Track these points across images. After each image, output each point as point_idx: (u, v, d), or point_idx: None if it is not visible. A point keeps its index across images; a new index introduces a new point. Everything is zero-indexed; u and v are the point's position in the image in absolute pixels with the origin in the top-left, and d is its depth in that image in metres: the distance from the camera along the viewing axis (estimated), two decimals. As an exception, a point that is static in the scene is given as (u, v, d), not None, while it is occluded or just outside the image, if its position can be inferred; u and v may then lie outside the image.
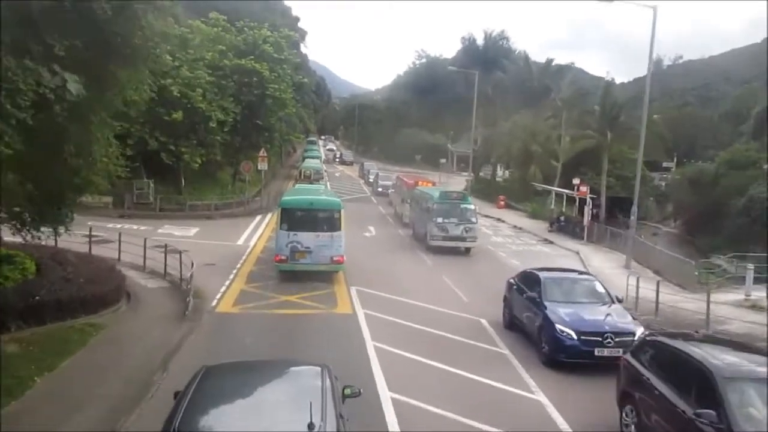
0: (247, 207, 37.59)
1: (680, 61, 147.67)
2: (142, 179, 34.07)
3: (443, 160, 73.28)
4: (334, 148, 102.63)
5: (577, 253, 30.01)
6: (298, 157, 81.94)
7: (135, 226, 29.02)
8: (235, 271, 21.30)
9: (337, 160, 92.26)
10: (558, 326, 12.54)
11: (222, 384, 6.61)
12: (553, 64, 53.65)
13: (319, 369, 6.94)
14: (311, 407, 5.52)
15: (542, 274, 14.85)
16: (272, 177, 58.32)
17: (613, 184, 48.78)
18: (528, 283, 14.94)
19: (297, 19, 64.78)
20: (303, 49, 73.87)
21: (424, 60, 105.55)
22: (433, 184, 35.84)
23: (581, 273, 15.29)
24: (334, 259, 19.62)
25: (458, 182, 58.66)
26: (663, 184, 60.19)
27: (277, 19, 45.50)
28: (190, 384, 6.45)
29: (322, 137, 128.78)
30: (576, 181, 35.78)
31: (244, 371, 7.47)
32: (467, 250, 27.49)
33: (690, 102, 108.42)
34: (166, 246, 19.65)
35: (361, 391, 7.83)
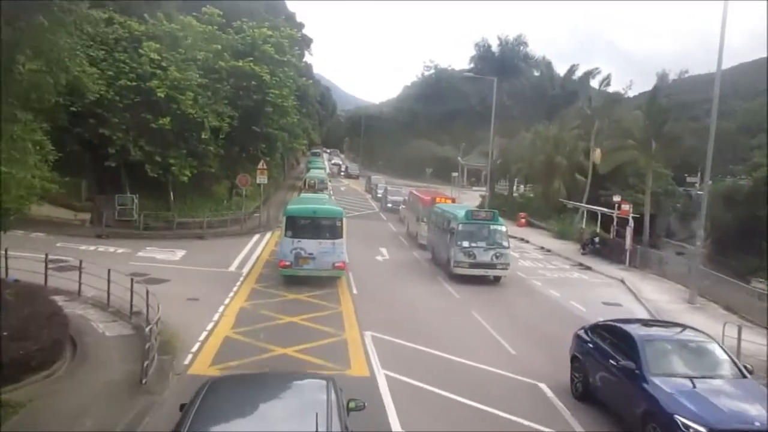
0: (244, 225, 33.71)
1: (686, 75, 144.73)
2: (125, 193, 30.27)
3: (455, 174, 69.57)
4: (340, 162, 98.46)
5: (622, 281, 25.97)
6: (301, 170, 78.28)
7: (112, 248, 25.13)
8: (222, 308, 17.33)
9: (342, 173, 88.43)
10: (680, 419, 8.48)
11: (228, 396, 6.58)
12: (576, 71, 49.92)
13: (324, 382, 6.90)
14: (317, 419, 5.61)
15: (635, 331, 10.83)
16: (274, 191, 54.60)
17: (641, 201, 44.97)
18: (613, 343, 10.92)
19: (302, 25, 61.22)
20: (308, 57, 70.51)
21: (432, 71, 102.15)
22: (453, 200, 32.02)
23: (687, 328, 11.25)
24: (336, 265, 20.33)
25: (471, 198, 54.88)
26: (696, 195, 56.19)
27: (281, 24, 41.84)
28: (197, 396, 6.40)
29: (327, 150, 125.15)
30: (617, 198, 31.80)
31: (249, 384, 7.45)
32: (496, 279, 23.52)
33: (699, 116, 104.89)
34: (132, 280, 15.62)
35: (366, 404, 7.68)
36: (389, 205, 47.91)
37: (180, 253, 25.41)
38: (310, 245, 19.96)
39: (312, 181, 46.35)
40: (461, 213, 23.81)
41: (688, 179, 62.53)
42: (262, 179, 34.74)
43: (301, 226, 20.38)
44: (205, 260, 24.48)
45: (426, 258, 28.15)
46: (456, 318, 18.21)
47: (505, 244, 23.23)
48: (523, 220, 42.90)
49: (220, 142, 32.04)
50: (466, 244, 22.87)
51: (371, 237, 34.37)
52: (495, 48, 55.11)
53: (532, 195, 58.54)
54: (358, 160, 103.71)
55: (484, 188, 77.44)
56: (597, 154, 39.14)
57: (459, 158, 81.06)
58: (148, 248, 25.84)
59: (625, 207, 29.13)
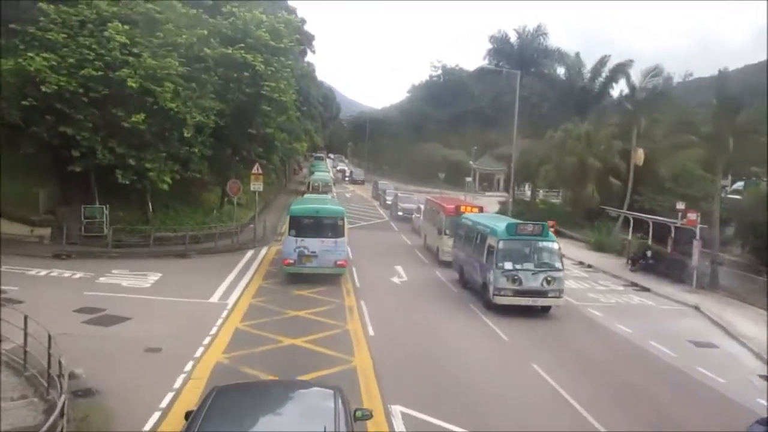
0: (236, 239, 28.97)
1: (690, 78, 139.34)
2: (93, 204, 25.58)
3: (469, 179, 64.87)
4: (345, 168, 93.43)
5: (697, 308, 21.11)
6: (304, 175, 73.68)
7: (69, 273, 20.43)
8: (190, 365, 12.56)
9: (347, 178, 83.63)
10: None
11: (234, 404, 6.45)
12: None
13: (331, 391, 6.76)
14: (325, 429, 5.56)
15: None
16: (273, 198, 49.95)
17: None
18: None
19: (303, 21, 56.54)
20: (310, 56, 65.93)
21: (439, 71, 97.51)
22: (480, 209, 27.26)
23: None
24: (338, 262, 20.87)
25: (489, 204, 49.99)
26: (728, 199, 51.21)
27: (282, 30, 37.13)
28: (203, 404, 6.32)
29: (331, 155, 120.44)
30: (680, 205, 26.94)
31: (255, 392, 7.41)
32: (544, 308, 18.73)
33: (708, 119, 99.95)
34: (50, 339, 10.78)
35: (373, 413, 7.86)
36: (400, 213, 43.21)
37: (153, 278, 20.69)
38: (312, 244, 20.55)
39: (316, 184, 45.09)
40: (501, 226, 18.99)
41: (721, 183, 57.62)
42: (256, 186, 30.05)
43: (304, 225, 21.02)
44: (182, 287, 19.76)
45: (452, 279, 23.38)
46: (512, 375, 13.38)
47: (557, 265, 18.43)
48: (552, 230, 37.91)
49: (207, 143, 27.34)
50: (509, 266, 18.09)
51: (384, 252, 29.63)
52: (513, 40, 50.15)
53: (557, 201, 53.87)
54: (363, 165, 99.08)
55: (499, 193, 72.97)
56: (639, 155, 34.34)
57: (471, 162, 76.36)
58: (115, 271, 21.15)
59: (692, 216, 24.27)
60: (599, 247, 33.86)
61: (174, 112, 24.44)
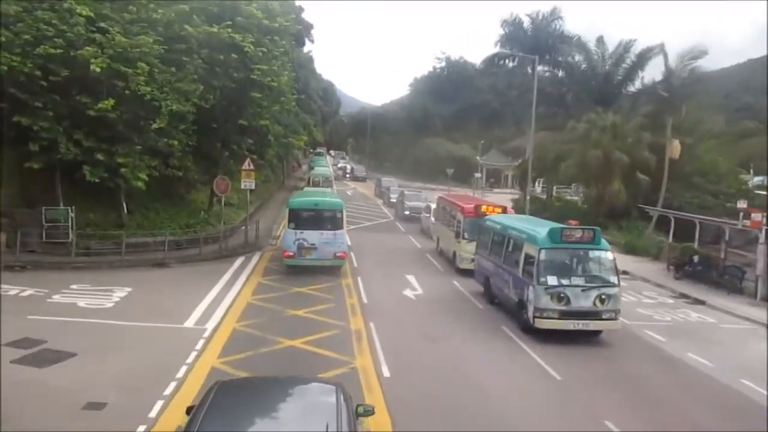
0: (225, 244, 25.55)
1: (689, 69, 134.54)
2: (57, 205, 22.11)
3: (478, 175, 61.39)
4: (347, 165, 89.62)
5: (771, 327, 17.63)
6: (304, 172, 70.25)
7: (16, 290, 16.97)
8: None
9: (348, 175, 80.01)
10: None
11: (236, 399, 6.36)
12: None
13: (333, 387, 6.71)
14: (327, 427, 5.50)
15: None
16: (270, 197, 46.53)
17: (710, 203, 36.71)
18: None
19: (301, 9, 52.96)
20: (309, 46, 62.38)
21: (444, 63, 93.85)
22: (504, 209, 23.76)
23: None
24: (337, 254, 21.01)
25: (499, 202, 46.53)
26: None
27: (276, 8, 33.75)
28: (205, 399, 6.23)
29: (331, 152, 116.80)
30: (742, 203, 23.45)
31: (257, 387, 7.30)
32: (594, 331, 15.27)
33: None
34: None
35: (375, 409, 7.57)
36: (407, 212, 39.76)
37: (119, 294, 17.25)
38: (312, 236, 20.70)
39: (317, 179, 44.27)
40: (542, 232, 15.47)
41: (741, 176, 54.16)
42: (248, 183, 26.57)
43: (303, 218, 21.17)
44: (153, 306, 16.31)
45: (474, 291, 19.94)
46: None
47: (613, 279, 14.97)
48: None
49: (190, 134, 23.88)
50: (553, 281, 14.63)
51: (392, 257, 26.22)
52: (527, 26, 46.48)
53: (572, 198, 50.38)
54: (364, 162, 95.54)
55: (508, 190, 69.51)
56: (675, 147, 30.84)
57: (478, 157, 72.87)
58: (74, 286, 17.71)
59: (757, 217, 20.77)
60: (630, 250, 30.40)
61: (149, 98, 21.00)
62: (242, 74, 24.68)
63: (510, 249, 16.96)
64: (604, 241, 15.42)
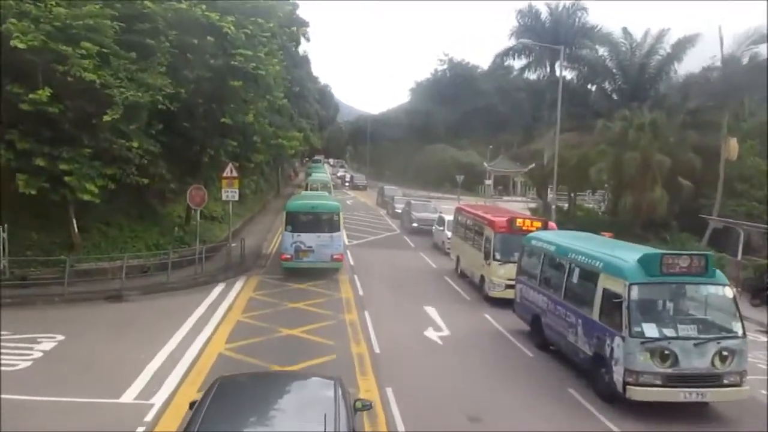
0: (200, 268, 21.02)
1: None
2: (-17, 224, 17.59)
3: (489, 182, 57.08)
4: (346, 174, 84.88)
5: None
6: (301, 180, 65.81)
7: None
8: None
9: (347, 184, 75.47)
10: None
11: (237, 394, 6.59)
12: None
13: (332, 381, 6.81)
14: (325, 418, 5.56)
15: None
16: (262, 209, 42.10)
17: (758, 210, 32.35)
18: None
19: (295, 5, 48.42)
20: (305, 45, 57.92)
21: (446, 65, 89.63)
22: (545, 224, 19.17)
23: None
24: (334, 257, 21.03)
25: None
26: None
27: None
28: (207, 394, 6.40)
29: (330, 161, 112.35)
30: None
31: (258, 382, 7.51)
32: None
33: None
34: None
35: (373, 404, 8.02)
36: (415, 225, 35.31)
37: (44, 346, 12.74)
38: (309, 239, 20.71)
39: (315, 186, 43.35)
40: (630, 259, 10.95)
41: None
42: (230, 194, 22.20)
43: (300, 221, 21.17)
44: (85, 366, 11.78)
45: (515, 328, 15.51)
46: None
47: (735, 327, 10.49)
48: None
49: (155, 133, 19.41)
50: (652, 331, 10.16)
51: (404, 281, 21.81)
52: (545, 17, 42.12)
53: (597, 206, 45.94)
54: (364, 170, 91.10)
55: (519, 198, 65.10)
56: (733, 147, 26.48)
57: (485, 164, 68.52)
58: (-14, 335, 13.18)
59: None
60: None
61: (99, 88, 16.57)
62: (220, 61, 20.25)
63: (574, 280, 12.50)
64: (718, 272, 10.92)
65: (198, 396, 6.98)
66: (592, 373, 11.42)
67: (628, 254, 11.27)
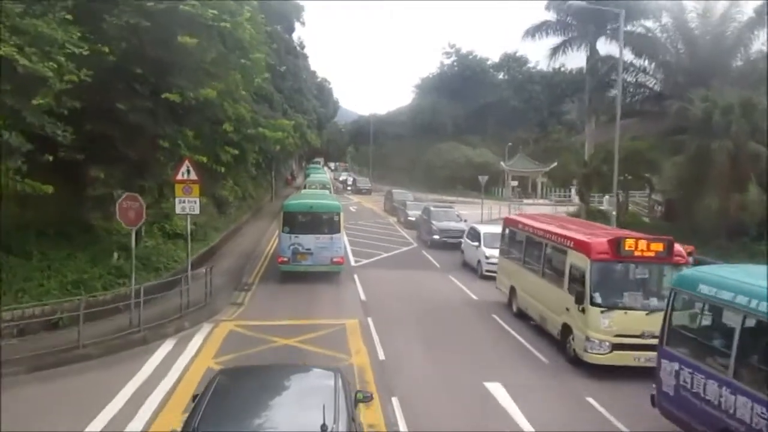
0: (138, 315, 14.05)
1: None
2: None
3: (514, 183, 50.34)
4: (348, 177, 77.74)
5: None
6: (299, 185, 58.96)
7: None
8: None
9: (350, 188, 68.52)
10: None
11: (238, 386, 6.65)
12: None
13: (332, 373, 6.81)
14: (324, 409, 5.44)
15: None
16: (249, 220, 35.40)
17: None
18: None
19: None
20: (300, 30, 51.22)
21: (453, 58, 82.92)
22: (670, 246, 12.31)
23: None
24: (334, 260, 19.90)
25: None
26: None
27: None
28: (208, 387, 6.39)
29: (330, 164, 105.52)
30: None
31: (259, 375, 7.51)
32: None
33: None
34: None
35: (373, 395, 7.95)
36: (436, 237, 28.53)
37: None
38: (307, 240, 19.57)
39: (314, 187, 41.45)
40: None
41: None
42: (187, 204, 15.39)
43: (298, 221, 20.11)
44: None
45: (653, 428, 8.67)
46: None
47: None
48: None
49: (62, 115, 12.57)
50: None
51: (442, 328, 15.02)
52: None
53: (649, 211, 39.03)
54: (366, 173, 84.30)
55: (542, 201, 58.27)
56: None
57: (503, 163, 61.68)
58: None
59: None
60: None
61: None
62: (163, 5, 13.37)
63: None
64: None
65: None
66: None
67: None
